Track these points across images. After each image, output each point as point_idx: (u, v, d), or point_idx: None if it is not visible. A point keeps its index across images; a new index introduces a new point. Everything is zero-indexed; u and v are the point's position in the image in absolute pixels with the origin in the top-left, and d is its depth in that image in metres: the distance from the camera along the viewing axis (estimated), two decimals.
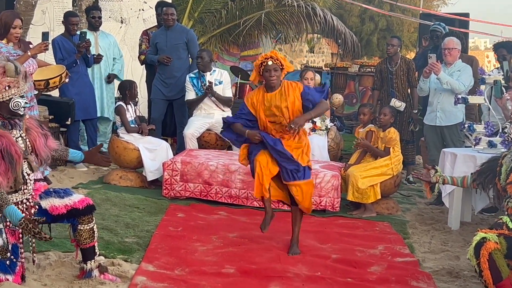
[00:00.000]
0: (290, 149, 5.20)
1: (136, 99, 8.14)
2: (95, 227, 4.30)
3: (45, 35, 7.16)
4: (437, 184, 5.16)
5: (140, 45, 9.39)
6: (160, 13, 9.12)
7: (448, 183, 5.17)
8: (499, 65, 7.80)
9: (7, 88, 3.92)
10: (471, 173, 5.04)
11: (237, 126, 5.34)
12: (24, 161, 3.99)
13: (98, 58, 8.66)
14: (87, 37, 8.18)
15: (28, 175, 4.06)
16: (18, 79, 3.96)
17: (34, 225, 3.72)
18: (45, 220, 3.93)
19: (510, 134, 4.60)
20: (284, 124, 5.18)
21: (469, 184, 5.01)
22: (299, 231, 5.40)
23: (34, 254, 4.23)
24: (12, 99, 3.93)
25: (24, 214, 3.82)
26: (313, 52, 25.47)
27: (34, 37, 9.12)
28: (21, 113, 3.98)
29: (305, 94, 5.22)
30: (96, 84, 8.75)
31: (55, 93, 8.44)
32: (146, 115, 9.47)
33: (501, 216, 4.35)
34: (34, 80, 6.61)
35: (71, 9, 10.34)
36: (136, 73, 10.61)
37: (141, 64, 9.60)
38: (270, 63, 5.15)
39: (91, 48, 8.30)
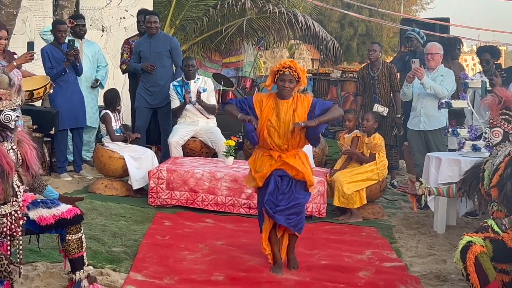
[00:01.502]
0: (288, 163, 5.03)
1: (119, 107, 8.13)
2: (83, 237, 4.27)
3: (30, 45, 7.14)
4: (423, 196, 5.19)
5: (121, 54, 9.37)
6: (140, 21, 9.13)
7: (434, 194, 5.20)
8: (480, 69, 7.88)
9: None
10: (456, 182, 5.09)
11: (232, 108, 5.09)
12: (15, 174, 3.98)
13: (95, 85, 8.91)
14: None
15: (18, 187, 4.05)
16: (11, 92, 3.95)
17: (8, 265, 3.73)
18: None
19: (490, 139, 4.64)
20: (279, 136, 5.02)
21: (455, 194, 5.05)
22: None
23: (20, 266, 4.18)
24: (3, 112, 3.91)
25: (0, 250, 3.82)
26: (293, 58, 25.54)
27: (15, 46, 9.09)
28: (12, 127, 3.96)
29: (314, 102, 5.08)
30: None
31: (39, 102, 8.42)
32: (129, 124, 9.46)
33: (486, 220, 4.39)
34: None
35: (51, 18, 10.32)
36: (118, 81, 10.57)
37: (123, 73, 9.58)
38: (287, 73, 4.96)
39: None
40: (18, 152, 4.06)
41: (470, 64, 28.70)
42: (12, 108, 3.96)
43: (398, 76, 9.32)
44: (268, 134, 5.02)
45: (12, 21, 8.71)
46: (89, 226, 5.92)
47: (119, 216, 6.54)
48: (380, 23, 24.63)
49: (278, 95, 5.08)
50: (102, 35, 11.58)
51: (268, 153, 5.08)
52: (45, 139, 8.20)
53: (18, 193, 4.04)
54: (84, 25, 8.90)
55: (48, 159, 8.30)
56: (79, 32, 8.80)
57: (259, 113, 5.06)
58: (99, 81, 8.98)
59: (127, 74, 9.50)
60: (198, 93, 8.14)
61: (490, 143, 4.64)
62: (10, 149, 3.98)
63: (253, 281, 4.77)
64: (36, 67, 9.26)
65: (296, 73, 4.97)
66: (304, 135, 5.05)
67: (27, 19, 10.72)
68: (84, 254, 4.32)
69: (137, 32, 9.42)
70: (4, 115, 3.91)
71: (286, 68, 4.96)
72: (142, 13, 9.22)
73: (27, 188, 4.22)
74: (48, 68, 8.14)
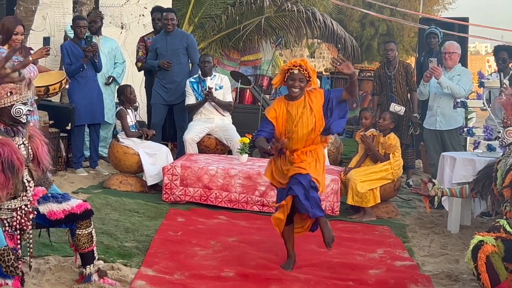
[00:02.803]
0: (301, 160, 4.94)
1: (136, 104, 8.14)
2: (93, 231, 4.30)
3: (46, 40, 7.19)
4: (436, 197, 5.14)
5: (137, 52, 9.37)
6: (155, 19, 9.14)
7: (447, 195, 5.15)
8: (495, 69, 7.79)
9: (9, 94, 3.94)
10: (469, 183, 5.04)
11: (261, 141, 4.94)
12: (25, 168, 4.00)
13: (108, 82, 8.99)
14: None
15: (28, 182, 4.07)
16: (21, 86, 3.97)
17: (15, 260, 3.76)
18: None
19: (504, 139, 4.59)
20: (297, 138, 4.94)
21: (468, 194, 5.00)
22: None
23: (31, 259, 4.21)
24: (14, 106, 3.94)
25: (7, 243, 3.83)
26: (313, 57, 25.43)
27: (34, 42, 9.15)
28: (23, 121, 3.99)
29: (326, 93, 4.99)
30: None
31: (56, 98, 8.46)
32: (145, 120, 9.48)
33: (499, 220, 4.35)
34: (35, 86, 6.63)
35: (71, 15, 10.39)
36: (137, 78, 10.61)
37: (139, 71, 9.59)
38: (296, 72, 4.84)
39: None
40: (29, 147, 4.08)
41: (493, 65, 28.46)
42: (23, 102, 3.98)
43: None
44: (289, 140, 4.93)
45: (31, 17, 8.74)
46: (102, 221, 5.96)
47: (133, 211, 6.56)
48: (401, 22, 24.45)
49: (288, 97, 4.99)
50: (121, 32, 11.62)
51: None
52: (61, 134, 8.26)
53: (28, 188, 4.06)
54: (95, 22, 8.85)
55: (64, 154, 8.36)
56: (91, 28, 8.82)
57: (275, 122, 4.98)
58: (111, 78, 9.01)
59: (143, 71, 9.52)
60: (209, 88, 8.14)
61: (504, 143, 4.58)
62: (21, 144, 4.01)
63: (262, 278, 4.75)
64: (55, 63, 9.35)
65: (306, 72, 4.86)
66: (320, 130, 4.96)
67: (47, 15, 10.78)
68: (95, 248, 4.35)
69: (153, 30, 9.42)
70: (15, 109, 3.94)
71: (296, 67, 4.85)
72: (156, 10, 9.22)
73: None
74: (67, 64, 8.20)
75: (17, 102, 3.95)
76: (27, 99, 4.02)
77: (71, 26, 8.59)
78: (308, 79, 4.90)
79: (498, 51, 7.74)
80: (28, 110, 4.00)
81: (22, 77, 3.91)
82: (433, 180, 5.27)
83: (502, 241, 4.12)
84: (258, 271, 4.87)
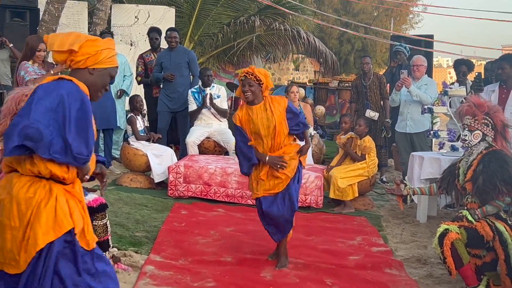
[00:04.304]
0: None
1: (144, 112, 8.11)
2: (108, 223, 4.30)
3: None
4: (408, 196, 5.14)
5: (137, 67, 9.32)
6: (152, 38, 9.10)
7: (417, 193, 5.14)
8: (456, 79, 7.80)
9: None
10: (436, 182, 5.05)
11: (258, 154, 4.73)
12: None
13: (118, 95, 8.89)
14: None
15: None
16: None
17: None
18: None
19: (470, 141, 4.57)
20: (265, 141, 4.69)
21: (436, 192, 5.01)
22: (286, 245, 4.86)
23: None
24: None
25: None
26: (298, 70, 25.45)
27: None
28: None
29: (290, 109, 4.71)
30: None
31: None
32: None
33: (461, 210, 4.38)
34: None
35: (86, 34, 10.35)
36: (143, 88, 10.62)
37: (138, 84, 9.51)
38: (243, 78, 4.64)
39: None
40: None
41: (454, 76, 28.52)
42: None
43: (388, 87, 9.27)
44: (256, 142, 4.74)
45: None
46: (115, 214, 5.94)
47: (142, 205, 6.55)
48: (374, 39, 24.51)
49: (247, 102, 4.72)
50: (130, 49, 11.62)
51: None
52: None
53: None
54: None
55: None
56: None
57: (243, 128, 4.75)
58: (119, 91, 8.97)
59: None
60: (211, 95, 8.14)
61: (470, 144, 4.56)
62: None
63: (257, 262, 4.76)
64: None
65: (253, 76, 4.62)
66: (284, 132, 4.72)
67: None
68: (109, 237, 4.35)
69: (150, 48, 9.33)
70: None
71: (243, 74, 4.67)
72: (153, 30, 9.15)
73: None
74: None
75: None
76: None
77: None
78: (258, 82, 4.65)
79: (458, 64, 7.76)
80: None
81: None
82: (405, 181, 5.28)
83: (465, 229, 4.15)
84: (252, 256, 4.89)
